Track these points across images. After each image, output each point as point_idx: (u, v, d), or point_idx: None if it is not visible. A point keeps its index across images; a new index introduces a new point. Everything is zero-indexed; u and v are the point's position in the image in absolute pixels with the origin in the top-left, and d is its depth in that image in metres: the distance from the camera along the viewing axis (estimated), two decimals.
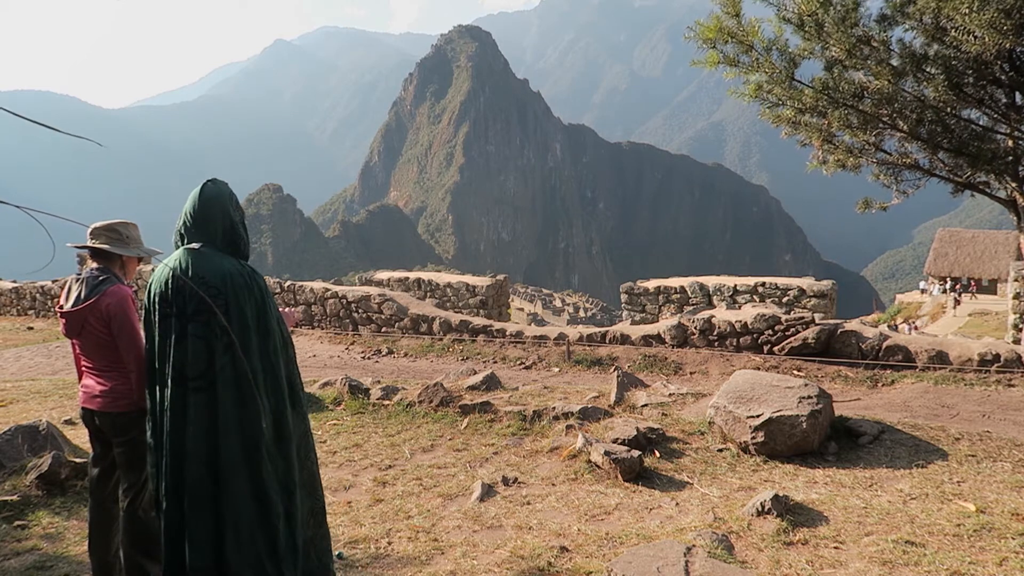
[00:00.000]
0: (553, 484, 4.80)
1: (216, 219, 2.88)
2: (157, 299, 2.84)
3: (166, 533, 2.77)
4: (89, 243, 3.27)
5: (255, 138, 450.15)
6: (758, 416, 5.11)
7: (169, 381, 2.77)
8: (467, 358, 11.08)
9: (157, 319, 2.84)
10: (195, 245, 2.85)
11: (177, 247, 2.92)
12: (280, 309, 3.33)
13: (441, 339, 12.18)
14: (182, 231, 2.91)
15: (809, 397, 5.25)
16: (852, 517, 3.97)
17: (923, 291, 45.33)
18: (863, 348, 8.81)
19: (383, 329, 13.40)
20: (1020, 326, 19.39)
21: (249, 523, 2.73)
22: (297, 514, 2.86)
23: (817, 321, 9.34)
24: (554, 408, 6.32)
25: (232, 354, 2.74)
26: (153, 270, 2.95)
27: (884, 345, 8.71)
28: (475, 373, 8.07)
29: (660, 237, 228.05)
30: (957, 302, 35.71)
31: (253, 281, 2.85)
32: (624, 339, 10.64)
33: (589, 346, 10.66)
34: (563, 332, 11.37)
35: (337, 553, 3.78)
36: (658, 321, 13.84)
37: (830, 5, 7.59)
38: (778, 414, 5.06)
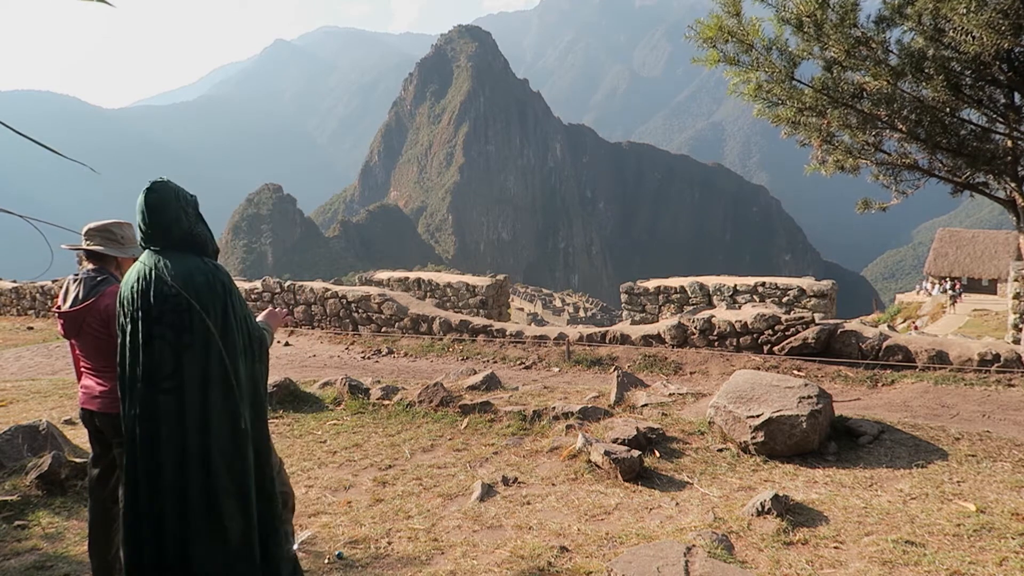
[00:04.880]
0: (553, 484, 4.80)
1: (167, 223, 2.85)
2: (125, 302, 2.85)
3: (145, 531, 2.77)
4: (84, 244, 3.26)
5: (255, 138, 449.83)
6: (758, 416, 5.12)
7: (140, 383, 2.78)
8: (467, 358, 11.08)
9: (127, 321, 2.84)
10: (155, 247, 2.85)
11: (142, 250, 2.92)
12: (270, 309, 3.33)
13: (441, 339, 12.18)
14: (142, 239, 2.90)
15: (809, 397, 5.25)
16: (852, 517, 3.97)
17: (921, 291, 45.33)
18: (863, 348, 8.81)
19: (383, 329, 13.40)
20: (1020, 326, 19.39)
21: (211, 520, 2.76)
22: (253, 512, 2.84)
23: (817, 321, 9.34)
24: (554, 408, 6.32)
25: (194, 355, 2.75)
26: None
27: (884, 345, 8.71)
28: (475, 373, 8.07)
29: (660, 237, 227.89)
30: (955, 301, 35.70)
31: (215, 279, 2.82)
32: (624, 339, 10.64)
33: (589, 346, 10.67)
34: (563, 332, 11.37)
35: (337, 553, 3.80)
36: (658, 321, 13.83)
37: (828, 6, 7.59)
38: (778, 414, 5.07)
